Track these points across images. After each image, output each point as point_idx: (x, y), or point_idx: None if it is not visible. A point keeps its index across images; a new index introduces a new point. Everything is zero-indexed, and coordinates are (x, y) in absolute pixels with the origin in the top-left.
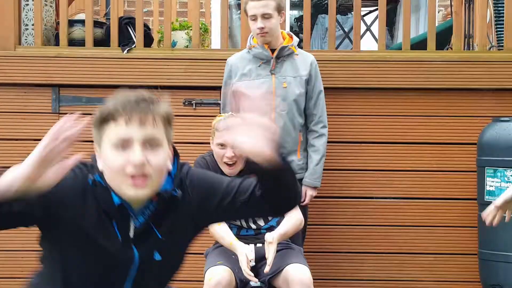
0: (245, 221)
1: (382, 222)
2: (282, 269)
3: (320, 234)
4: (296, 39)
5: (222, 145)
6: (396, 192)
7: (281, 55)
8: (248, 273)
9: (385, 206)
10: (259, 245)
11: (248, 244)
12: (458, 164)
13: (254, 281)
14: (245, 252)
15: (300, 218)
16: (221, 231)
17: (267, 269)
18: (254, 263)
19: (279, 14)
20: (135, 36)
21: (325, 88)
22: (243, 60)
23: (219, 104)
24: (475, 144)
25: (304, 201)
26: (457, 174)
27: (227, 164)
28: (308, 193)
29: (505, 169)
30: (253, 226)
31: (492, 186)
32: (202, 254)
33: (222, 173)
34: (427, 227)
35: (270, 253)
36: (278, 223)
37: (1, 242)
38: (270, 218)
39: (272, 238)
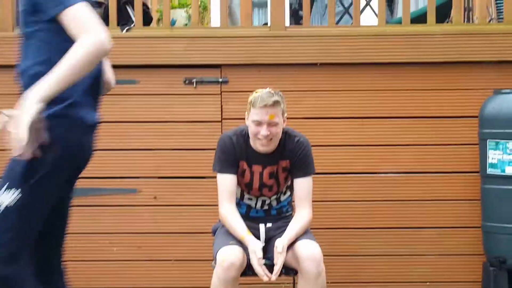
0: (258, 201)
1: (385, 197)
2: (291, 246)
3: (323, 210)
4: None
5: (259, 122)
6: (398, 166)
7: None
8: (259, 273)
9: (388, 181)
10: (268, 225)
11: (258, 224)
12: (460, 137)
13: (265, 280)
14: (255, 250)
15: (308, 219)
16: (234, 221)
17: (273, 278)
18: (263, 243)
19: None
20: (134, 15)
21: (325, 64)
22: None
23: (220, 82)
24: (476, 117)
25: None
26: (459, 148)
27: (261, 141)
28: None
29: (507, 141)
30: (265, 207)
31: (494, 158)
32: (207, 233)
33: (249, 153)
34: (430, 201)
35: (279, 261)
36: (289, 204)
37: None
38: (282, 199)
39: (282, 247)
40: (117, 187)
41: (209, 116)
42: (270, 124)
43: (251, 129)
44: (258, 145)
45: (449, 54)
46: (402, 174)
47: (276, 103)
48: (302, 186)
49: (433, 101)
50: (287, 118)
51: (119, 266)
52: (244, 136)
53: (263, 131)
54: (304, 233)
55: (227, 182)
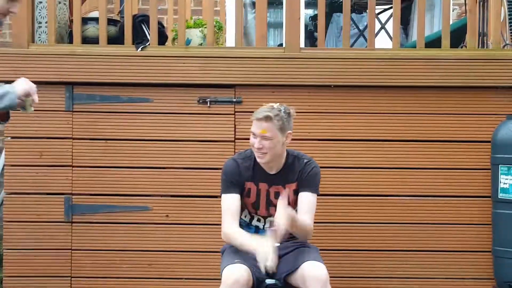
0: (266, 223)
1: (396, 220)
2: (298, 267)
3: (334, 232)
4: None
5: (254, 134)
6: (410, 190)
7: None
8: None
9: (399, 204)
10: (276, 244)
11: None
12: (472, 161)
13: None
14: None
15: (310, 227)
16: (239, 235)
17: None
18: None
19: None
20: (149, 34)
21: (339, 86)
22: None
23: (234, 102)
24: (489, 141)
25: None
26: (471, 172)
27: (256, 152)
28: None
29: None
30: (273, 227)
31: (506, 183)
32: (218, 252)
33: (256, 171)
34: (441, 224)
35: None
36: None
37: (13, 241)
38: None
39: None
40: (129, 204)
41: (222, 136)
42: (263, 138)
43: (250, 140)
44: (256, 155)
45: (463, 78)
46: (413, 198)
47: (267, 118)
48: (307, 199)
49: (446, 125)
50: (300, 140)
51: (129, 283)
52: (250, 156)
53: (256, 143)
54: (312, 254)
55: (229, 202)
